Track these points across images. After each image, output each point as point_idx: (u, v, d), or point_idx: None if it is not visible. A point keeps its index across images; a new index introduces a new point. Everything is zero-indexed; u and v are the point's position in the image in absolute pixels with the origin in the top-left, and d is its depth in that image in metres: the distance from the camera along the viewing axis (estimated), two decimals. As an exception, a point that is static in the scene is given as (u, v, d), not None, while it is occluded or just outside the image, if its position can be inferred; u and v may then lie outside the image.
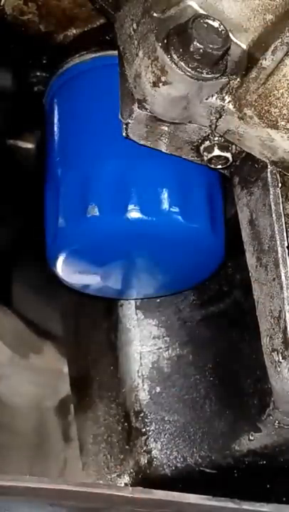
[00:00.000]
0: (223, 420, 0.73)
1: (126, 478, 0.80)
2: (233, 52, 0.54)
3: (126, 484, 0.79)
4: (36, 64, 0.78)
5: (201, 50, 0.51)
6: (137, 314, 0.84)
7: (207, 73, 0.52)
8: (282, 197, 0.58)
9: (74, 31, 0.74)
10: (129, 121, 0.59)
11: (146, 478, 0.77)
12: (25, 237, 0.79)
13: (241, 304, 0.75)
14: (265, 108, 0.55)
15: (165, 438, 0.77)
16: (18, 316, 1.00)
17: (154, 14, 0.54)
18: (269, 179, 0.58)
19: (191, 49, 0.51)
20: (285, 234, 0.57)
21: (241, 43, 0.55)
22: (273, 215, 0.57)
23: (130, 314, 0.85)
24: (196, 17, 0.51)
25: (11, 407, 0.95)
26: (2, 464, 0.86)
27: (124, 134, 0.61)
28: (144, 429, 0.78)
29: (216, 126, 0.58)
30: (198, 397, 0.76)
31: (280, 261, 0.56)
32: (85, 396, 0.88)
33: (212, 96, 0.55)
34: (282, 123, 0.55)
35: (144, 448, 0.78)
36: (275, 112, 0.55)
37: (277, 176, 0.59)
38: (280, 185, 0.58)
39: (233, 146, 0.60)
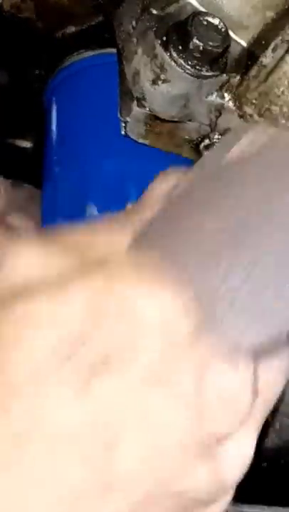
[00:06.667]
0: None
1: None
2: (233, 49, 0.54)
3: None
4: (35, 61, 0.77)
5: (201, 48, 0.50)
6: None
7: (207, 71, 0.52)
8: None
9: (72, 29, 0.73)
10: (128, 119, 0.59)
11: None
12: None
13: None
14: (266, 106, 0.54)
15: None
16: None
17: (154, 11, 0.53)
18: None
19: (191, 46, 0.50)
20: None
21: (241, 40, 0.54)
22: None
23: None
24: (196, 14, 0.51)
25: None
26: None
27: (123, 132, 0.61)
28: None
29: (216, 124, 0.57)
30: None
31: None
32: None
33: (212, 94, 0.55)
34: (283, 121, 0.55)
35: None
36: (275, 110, 0.54)
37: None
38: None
39: (233, 145, 0.59)
